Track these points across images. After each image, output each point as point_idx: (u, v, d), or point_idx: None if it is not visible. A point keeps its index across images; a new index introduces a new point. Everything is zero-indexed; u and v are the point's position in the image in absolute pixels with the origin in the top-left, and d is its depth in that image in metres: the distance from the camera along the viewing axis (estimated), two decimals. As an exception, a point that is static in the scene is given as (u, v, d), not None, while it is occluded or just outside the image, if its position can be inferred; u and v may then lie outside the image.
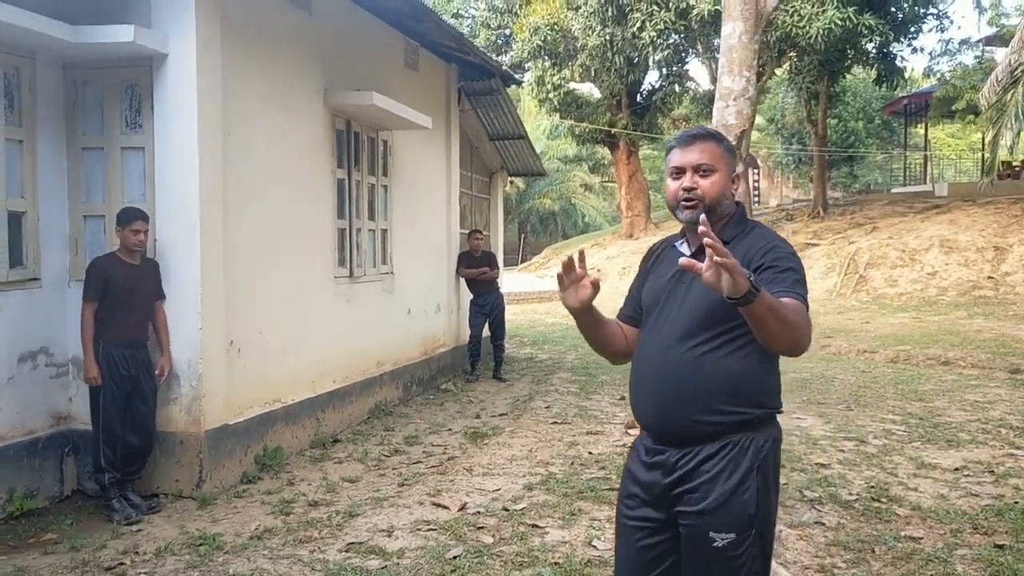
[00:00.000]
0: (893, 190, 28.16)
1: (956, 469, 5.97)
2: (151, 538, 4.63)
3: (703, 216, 2.01)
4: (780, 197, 40.03)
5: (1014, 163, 25.36)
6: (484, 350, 10.29)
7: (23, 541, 4.62)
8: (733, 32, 4.42)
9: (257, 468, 5.88)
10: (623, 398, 8.63)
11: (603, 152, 41.51)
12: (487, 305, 10.06)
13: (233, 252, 5.68)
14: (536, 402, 8.51)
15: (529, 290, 21.00)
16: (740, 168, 4.56)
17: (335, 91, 7.04)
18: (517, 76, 21.27)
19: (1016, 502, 5.17)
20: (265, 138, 6.14)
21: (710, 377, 2.22)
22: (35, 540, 4.62)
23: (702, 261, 2.22)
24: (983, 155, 29.45)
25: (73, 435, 5.40)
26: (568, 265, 2.27)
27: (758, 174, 37.46)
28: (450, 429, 7.37)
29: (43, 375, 5.30)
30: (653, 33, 17.69)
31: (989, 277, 16.69)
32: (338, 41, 7.24)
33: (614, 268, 25.18)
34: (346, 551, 4.38)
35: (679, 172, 2.33)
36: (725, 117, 4.47)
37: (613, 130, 24.58)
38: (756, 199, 35.90)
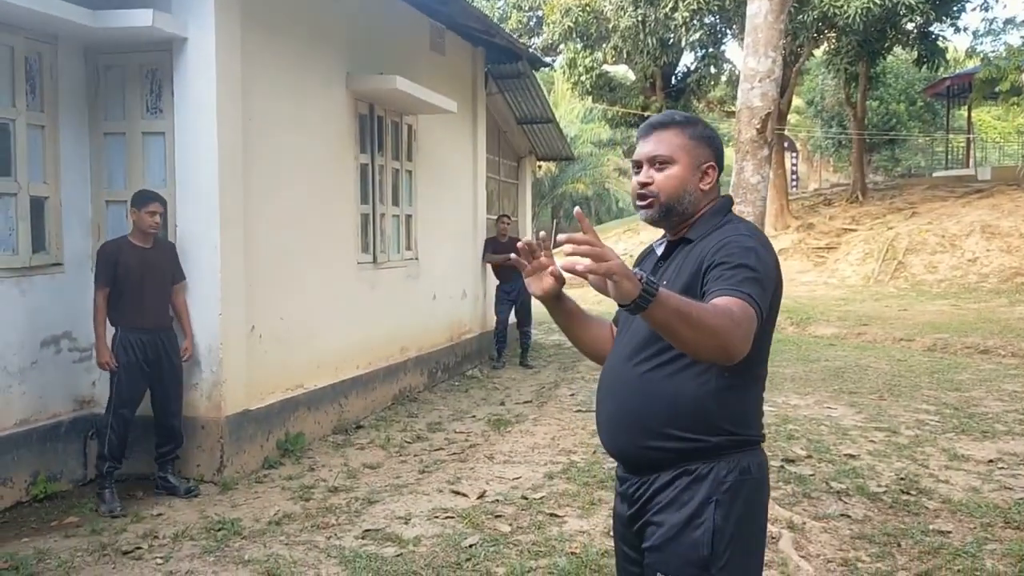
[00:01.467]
0: (935, 174, 27.55)
1: (990, 461, 5.81)
2: (171, 522, 4.65)
3: (577, 209, 1.71)
4: (819, 181, 39.43)
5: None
6: (511, 336, 10.23)
7: (45, 524, 4.65)
8: (759, 11, 4.29)
9: (279, 454, 5.88)
10: (650, 385, 8.52)
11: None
12: (513, 291, 9.98)
13: (255, 238, 5.67)
14: (561, 389, 8.45)
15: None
16: (764, 152, 4.44)
17: (358, 75, 6.99)
18: (549, 59, 21.11)
19: (1052, 496, 5.02)
20: (287, 123, 6.11)
21: (654, 398, 1.95)
22: (57, 523, 4.66)
23: (669, 264, 2.03)
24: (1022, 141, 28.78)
25: (96, 419, 5.41)
26: (527, 249, 1.95)
27: (796, 158, 36.93)
28: (474, 416, 7.33)
29: (66, 359, 5.33)
30: (686, 13, 17.40)
31: (1032, 263, 16.30)
32: (361, 24, 7.18)
33: (647, 253, 24.97)
34: (362, 538, 4.35)
35: (637, 166, 2.06)
36: (750, 99, 4.34)
37: (646, 113, 24.30)
38: (795, 183, 35.41)
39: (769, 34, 4.28)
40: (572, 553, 4.10)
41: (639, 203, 2.06)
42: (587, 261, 1.55)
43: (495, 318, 10.04)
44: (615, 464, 2.18)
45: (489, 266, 10.11)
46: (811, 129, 36.93)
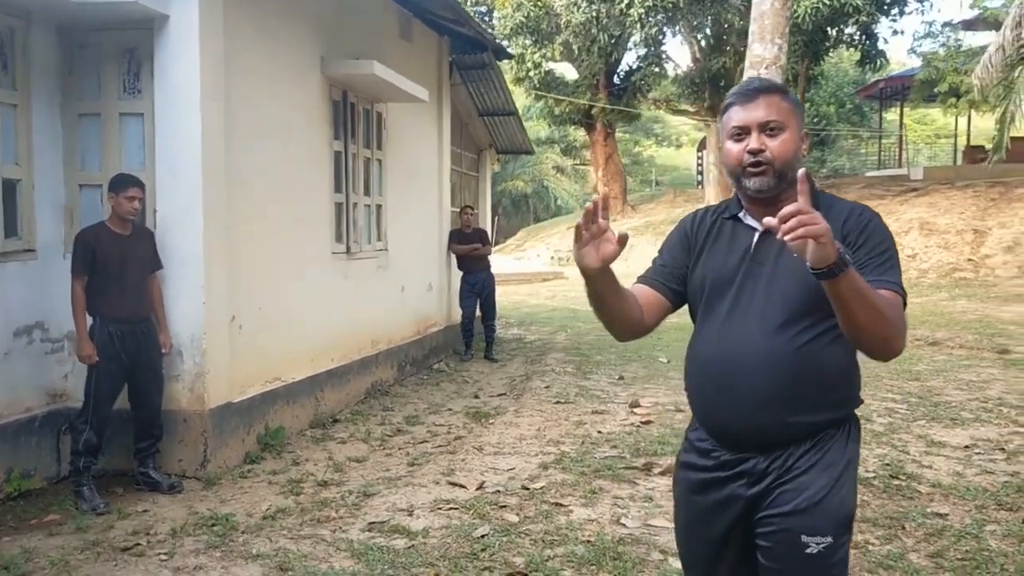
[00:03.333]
0: (868, 173, 28.36)
1: (966, 447, 5.95)
2: (160, 519, 4.45)
3: (803, 171, 1.73)
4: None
5: (987, 147, 25.64)
6: (475, 330, 10.15)
7: (24, 522, 4.41)
8: (765, -1, 4.29)
9: (259, 448, 5.70)
10: (621, 378, 8.54)
11: (575, 134, 41.37)
12: (478, 283, 9.90)
13: (233, 224, 5.47)
14: (534, 382, 8.39)
15: (508, 272, 20.85)
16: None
17: (333, 60, 6.82)
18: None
19: (1033, 479, 5.15)
20: (264, 107, 5.92)
21: (818, 370, 1.93)
22: (37, 521, 4.42)
23: (768, 245, 1.97)
24: (956, 139, 29.85)
25: (69, 413, 5.15)
26: (589, 215, 1.83)
27: (703, 157, 37.47)
28: (450, 409, 7.23)
29: (38, 351, 5.08)
30: (641, 10, 17.53)
31: (969, 259, 16.87)
32: (335, 8, 7.01)
33: (592, 250, 25.09)
34: (368, 530, 4.23)
35: (742, 132, 1.97)
36: (757, 85, 4.34)
37: (597, 106, 24.43)
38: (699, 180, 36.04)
39: (776, 21, 4.29)
40: (587, 541, 4.05)
41: (752, 170, 1.96)
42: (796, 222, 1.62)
43: (460, 311, 9.94)
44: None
45: (454, 259, 10.00)
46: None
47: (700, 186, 36.75)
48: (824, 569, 1.92)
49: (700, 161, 39.10)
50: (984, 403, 7.36)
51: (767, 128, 1.96)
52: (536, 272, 21.69)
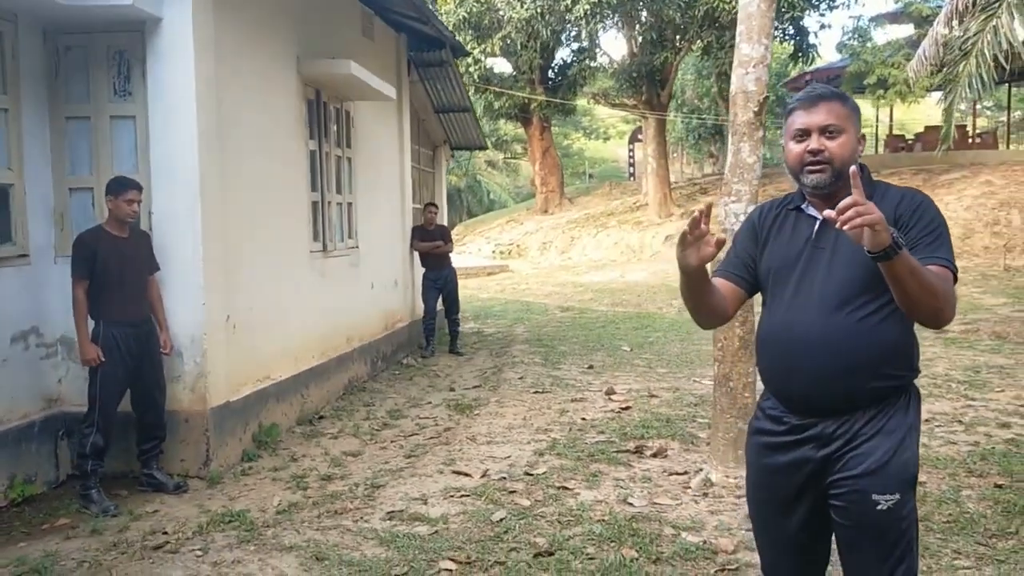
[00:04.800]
0: (794, 164, 29.10)
1: (926, 421, 6.31)
2: (172, 519, 4.50)
3: (855, 168, 1.93)
4: (677, 173, 40.99)
5: (908, 137, 26.72)
6: (438, 324, 10.27)
7: (35, 527, 4.41)
8: (752, 0, 4.54)
9: (255, 446, 5.75)
10: (591, 367, 8.78)
11: (506, 128, 41.60)
12: (440, 279, 10.03)
13: (227, 225, 5.51)
14: (507, 373, 8.57)
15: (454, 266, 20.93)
16: (760, 134, 4.71)
17: (307, 59, 6.87)
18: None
19: (992, 448, 5.54)
20: (249, 108, 5.96)
21: (876, 343, 2.14)
22: (49, 526, 4.42)
23: (828, 233, 2.19)
24: (877, 128, 30.97)
25: (66, 418, 5.15)
26: (695, 222, 2.09)
27: (633, 150, 38.20)
28: (430, 402, 7.36)
29: (34, 356, 5.05)
30: (587, 6, 17.80)
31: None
32: (306, 7, 7.05)
33: (534, 243, 25.39)
34: (389, 519, 4.36)
35: (803, 134, 2.20)
36: (745, 84, 4.58)
37: (537, 99, 24.64)
38: (632, 174, 36.80)
39: (762, 22, 4.53)
40: (601, 520, 4.25)
41: (810, 168, 2.19)
42: (853, 213, 1.82)
43: (423, 307, 10.04)
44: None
45: (416, 255, 10.10)
46: (671, 121, 38.38)
47: (632, 178, 37.46)
48: (895, 522, 2.14)
49: (631, 154, 39.82)
50: (934, 380, 7.81)
51: (827, 131, 2.19)
52: (482, 266, 21.83)
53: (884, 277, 1.97)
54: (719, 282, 2.40)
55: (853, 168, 1.92)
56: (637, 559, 3.76)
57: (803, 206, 2.32)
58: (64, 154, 5.20)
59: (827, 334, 2.16)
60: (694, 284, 2.24)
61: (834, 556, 2.35)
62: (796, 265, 2.26)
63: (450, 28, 21.48)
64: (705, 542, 3.98)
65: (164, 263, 5.09)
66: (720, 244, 2.12)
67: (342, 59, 6.95)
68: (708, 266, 2.21)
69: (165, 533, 4.24)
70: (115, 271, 4.80)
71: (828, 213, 1.91)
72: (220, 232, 5.32)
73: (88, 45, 5.15)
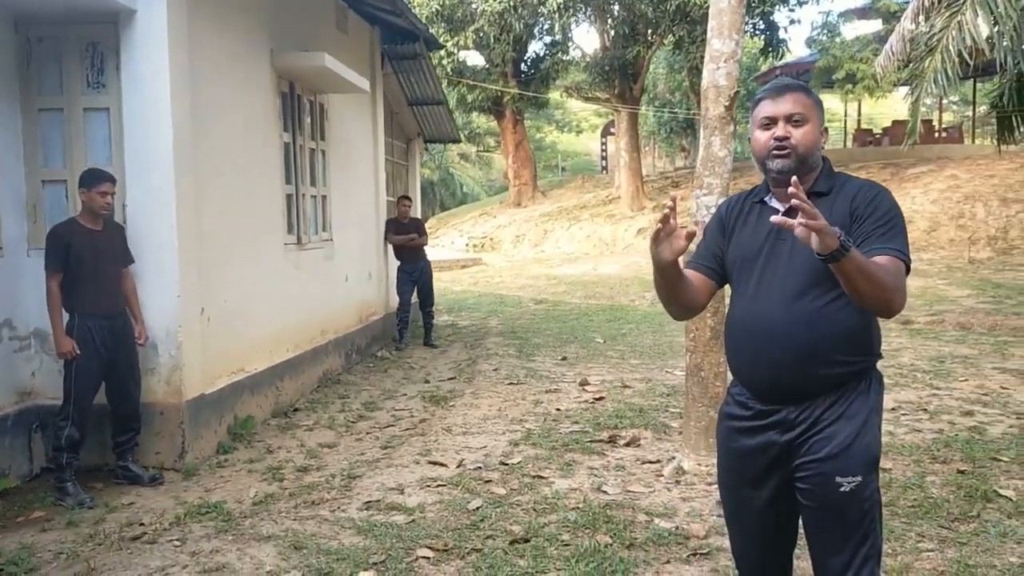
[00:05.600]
0: (764, 158, 29.38)
1: (892, 409, 6.46)
2: (148, 510, 4.51)
3: (794, 178, 1.97)
4: (649, 167, 41.19)
5: (875, 131, 27.06)
6: (412, 317, 10.29)
7: (10, 520, 4.40)
8: (723, -4, 4.61)
9: (230, 438, 5.76)
10: (564, 359, 8.86)
11: (479, 121, 41.57)
12: (415, 272, 10.06)
13: (198, 217, 5.51)
14: (481, 365, 8.63)
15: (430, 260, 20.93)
16: (731, 128, 4.79)
17: (281, 52, 6.87)
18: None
19: (956, 435, 5.67)
20: (223, 100, 5.95)
21: (836, 330, 2.21)
22: (24, 519, 4.41)
23: (797, 215, 2.21)
24: (845, 123, 31.34)
25: (40, 411, 5.14)
26: (666, 217, 2.18)
27: (605, 143, 38.35)
28: (405, 394, 7.40)
29: (6, 350, 5.03)
30: (559, 0, 17.86)
31: (866, 238, 17.81)
32: (281, 1, 7.04)
33: (507, 236, 25.43)
34: (366, 509, 4.40)
35: (770, 122, 2.28)
36: (716, 79, 4.66)
37: (510, 92, 24.65)
38: (604, 167, 36.97)
39: (732, 18, 4.61)
40: (576, 508, 4.32)
41: (776, 153, 2.27)
42: (800, 221, 1.92)
43: (397, 300, 10.07)
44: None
45: (391, 247, 10.11)
46: (644, 115, 38.55)
47: (605, 171, 37.58)
48: (858, 503, 2.22)
49: (604, 147, 39.95)
50: (900, 369, 7.97)
51: (792, 119, 2.27)
52: (455, 259, 21.86)
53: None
54: (690, 273, 2.47)
55: (794, 179, 1.97)
56: (611, 545, 3.83)
57: (767, 199, 2.40)
58: (37, 146, 5.18)
59: (789, 322, 2.24)
60: (668, 277, 2.32)
61: (802, 539, 2.43)
62: (759, 256, 2.33)
63: (423, 21, 21.53)
64: (677, 528, 4.07)
65: (139, 256, 5.08)
66: (691, 236, 2.20)
67: (316, 52, 6.95)
68: (680, 258, 2.28)
69: (142, 524, 4.26)
70: (89, 264, 4.79)
71: (776, 220, 2.02)
72: (195, 225, 5.33)
73: (61, 36, 5.13)
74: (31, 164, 5.17)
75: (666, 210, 2.16)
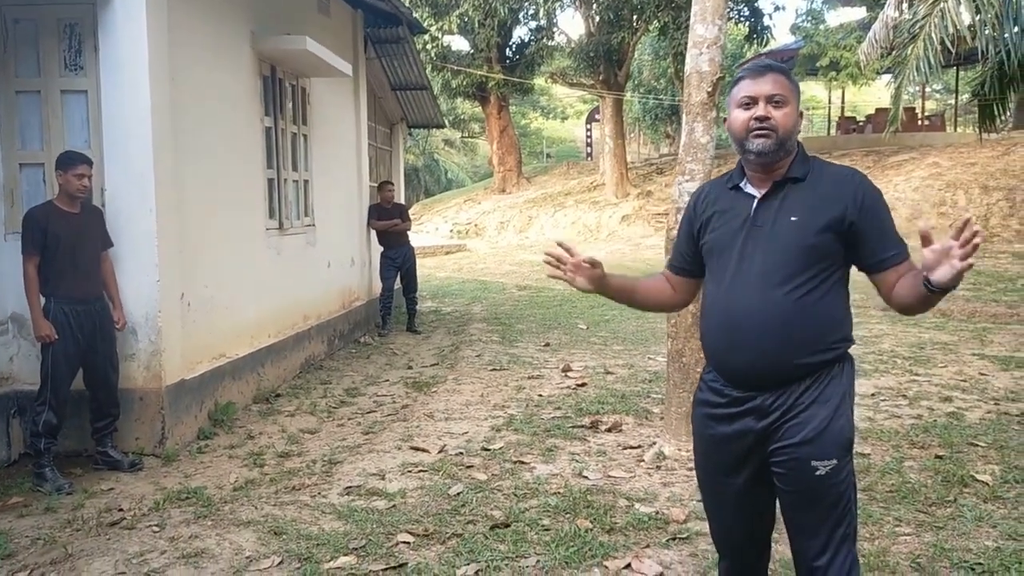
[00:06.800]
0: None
1: (872, 395, 6.52)
2: (127, 496, 4.48)
3: (977, 226, 1.93)
4: (634, 153, 41.16)
5: (859, 119, 27.15)
6: (395, 303, 10.27)
7: (-13, 506, 4.37)
8: (706, -18, 4.60)
9: (211, 424, 5.74)
10: (547, 345, 8.87)
11: (464, 107, 41.39)
12: (399, 258, 10.03)
13: (181, 201, 5.46)
14: (464, 351, 8.62)
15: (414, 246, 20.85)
16: (713, 114, 4.79)
17: (262, 35, 6.81)
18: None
19: (935, 420, 5.72)
20: (201, 83, 5.89)
21: (813, 319, 2.22)
22: (1, 504, 4.38)
23: (773, 202, 2.28)
24: (829, 110, 31.41)
25: (18, 396, 5.11)
26: (558, 260, 2.38)
27: (591, 130, 38.29)
28: (387, 380, 7.39)
29: (-16, 334, 4.99)
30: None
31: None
32: (262, -17, 6.98)
33: (491, 223, 25.38)
34: (347, 494, 4.40)
35: (751, 102, 2.26)
36: (699, 64, 4.65)
37: (495, 78, 24.54)
38: (589, 153, 36.92)
39: (716, 3, 4.59)
40: (557, 493, 4.33)
41: (757, 132, 2.24)
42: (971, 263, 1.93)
43: (381, 285, 10.04)
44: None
45: (374, 233, 10.07)
46: (628, 102, 38.48)
47: (589, 158, 37.55)
48: (833, 485, 2.24)
49: (589, 134, 39.90)
50: (880, 356, 8.02)
51: (773, 100, 2.26)
52: (440, 245, 21.80)
53: (829, 255, 2.18)
54: (670, 276, 2.56)
55: (977, 226, 1.92)
56: (591, 529, 3.85)
57: (741, 184, 2.37)
58: (14, 129, 5.13)
59: (766, 311, 2.24)
60: (619, 297, 2.53)
61: (780, 522, 2.44)
62: (735, 243, 2.32)
63: (407, 5, 21.39)
64: (658, 512, 4.08)
65: (117, 239, 5.04)
66: (595, 263, 2.39)
67: (298, 35, 6.90)
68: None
69: (121, 510, 4.23)
70: (67, 247, 4.74)
71: (924, 227, 2.03)
72: (174, 208, 5.28)
73: (38, 18, 5.07)
74: (8, 147, 5.12)
75: (545, 259, 2.37)
